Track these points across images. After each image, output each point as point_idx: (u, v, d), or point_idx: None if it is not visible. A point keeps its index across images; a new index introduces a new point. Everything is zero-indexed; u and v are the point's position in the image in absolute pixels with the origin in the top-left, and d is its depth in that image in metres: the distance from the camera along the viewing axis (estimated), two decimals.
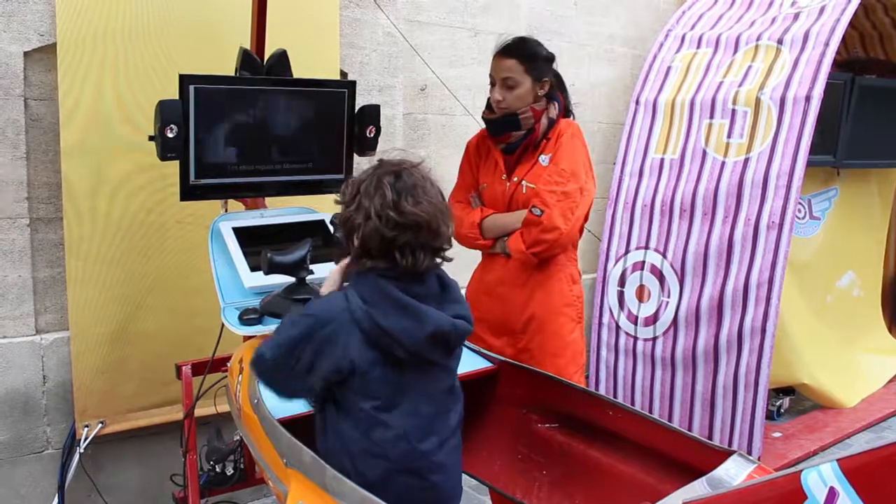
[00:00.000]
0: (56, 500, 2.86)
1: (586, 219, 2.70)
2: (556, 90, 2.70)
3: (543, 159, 2.61)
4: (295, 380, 1.74)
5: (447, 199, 1.81)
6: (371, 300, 1.69)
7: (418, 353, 1.69)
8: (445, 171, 3.83)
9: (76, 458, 2.86)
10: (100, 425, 2.89)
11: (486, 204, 2.74)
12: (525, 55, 2.60)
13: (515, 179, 2.65)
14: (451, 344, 1.75)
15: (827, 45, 3.58)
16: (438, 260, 1.79)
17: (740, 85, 3.75)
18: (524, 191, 2.62)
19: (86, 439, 2.84)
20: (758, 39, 3.86)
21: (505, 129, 2.63)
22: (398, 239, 1.69)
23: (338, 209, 1.84)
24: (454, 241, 1.91)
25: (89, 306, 2.84)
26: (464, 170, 2.84)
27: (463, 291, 1.93)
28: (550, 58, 2.68)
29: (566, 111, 2.73)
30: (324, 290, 1.91)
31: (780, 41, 3.77)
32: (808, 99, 3.51)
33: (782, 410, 4.44)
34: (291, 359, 1.70)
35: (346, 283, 1.84)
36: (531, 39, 2.69)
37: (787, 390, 4.47)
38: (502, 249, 2.66)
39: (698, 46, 4.10)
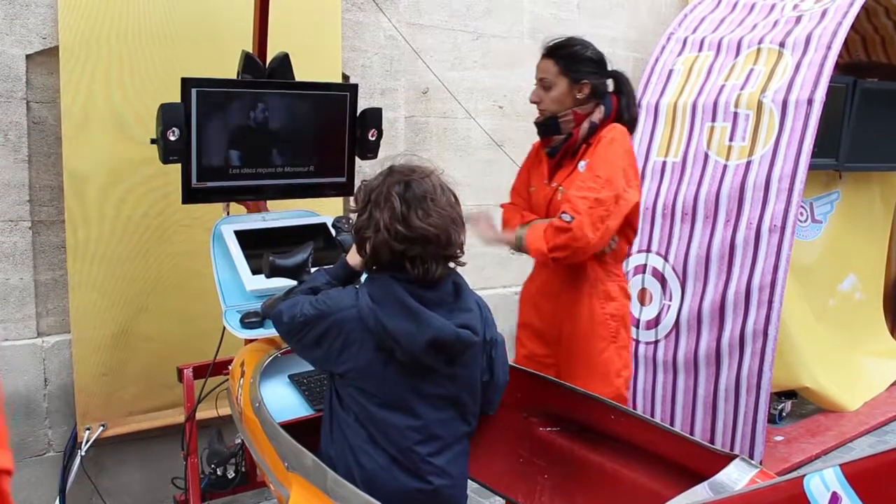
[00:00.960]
0: (57, 503, 2.86)
1: (634, 230, 2.61)
2: (610, 93, 2.58)
3: (581, 165, 2.50)
4: (301, 350, 1.83)
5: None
6: (379, 300, 1.70)
7: (417, 357, 1.69)
8: (448, 174, 3.84)
9: (77, 460, 2.86)
10: (101, 428, 2.89)
11: (532, 208, 2.67)
12: (562, 55, 2.53)
13: (554, 185, 2.57)
14: (451, 353, 1.73)
15: (829, 48, 3.58)
16: (453, 265, 1.79)
17: (742, 88, 3.75)
18: (559, 197, 2.53)
19: (87, 442, 2.84)
20: (760, 43, 3.86)
21: (546, 132, 2.57)
22: (408, 251, 1.70)
23: (339, 212, 1.85)
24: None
25: (91, 309, 2.84)
26: (520, 171, 2.78)
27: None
28: (595, 59, 2.55)
29: (619, 115, 2.56)
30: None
31: (782, 44, 3.76)
32: (809, 102, 3.50)
33: (784, 414, 4.43)
34: (300, 333, 1.78)
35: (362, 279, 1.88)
36: (576, 39, 2.57)
37: (789, 394, 4.46)
38: (518, 245, 2.57)
39: (700, 50, 4.10)
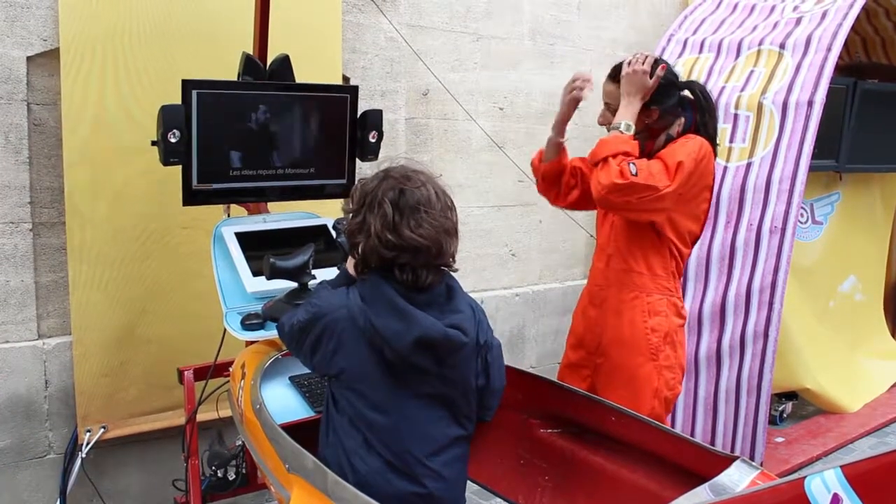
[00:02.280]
0: None
1: (694, 238, 2.54)
2: (690, 109, 2.51)
3: None
4: (303, 357, 1.85)
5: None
6: (369, 299, 1.71)
7: (405, 357, 1.69)
8: (448, 176, 3.85)
9: (78, 462, 2.86)
10: (102, 430, 2.89)
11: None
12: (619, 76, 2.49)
13: None
14: (440, 352, 1.72)
15: (829, 49, 3.58)
16: (444, 269, 1.79)
17: (742, 90, 3.75)
18: None
19: (88, 444, 2.84)
20: (760, 44, 3.86)
21: None
22: (397, 259, 1.71)
23: (340, 214, 1.85)
24: None
25: (92, 311, 2.84)
26: None
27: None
28: (666, 82, 2.45)
29: (697, 129, 2.49)
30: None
31: (782, 46, 3.77)
32: (810, 104, 3.51)
33: (785, 415, 4.43)
34: (299, 340, 1.81)
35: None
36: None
37: (790, 395, 4.46)
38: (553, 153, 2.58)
39: (700, 51, 4.10)
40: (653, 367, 2.49)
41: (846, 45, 3.95)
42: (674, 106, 2.49)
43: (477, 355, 1.82)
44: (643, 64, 2.40)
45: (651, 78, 2.41)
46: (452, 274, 1.83)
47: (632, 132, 2.38)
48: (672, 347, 2.52)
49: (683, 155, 2.35)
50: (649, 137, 2.48)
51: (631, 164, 2.28)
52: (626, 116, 2.40)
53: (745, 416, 3.60)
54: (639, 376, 2.49)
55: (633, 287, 2.52)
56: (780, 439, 4.15)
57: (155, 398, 3.00)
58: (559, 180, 2.73)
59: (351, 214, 1.79)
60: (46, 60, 2.76)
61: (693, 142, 2.41)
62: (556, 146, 2.67)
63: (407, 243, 1.68)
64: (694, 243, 2.59)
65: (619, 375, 2.53)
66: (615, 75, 2.52)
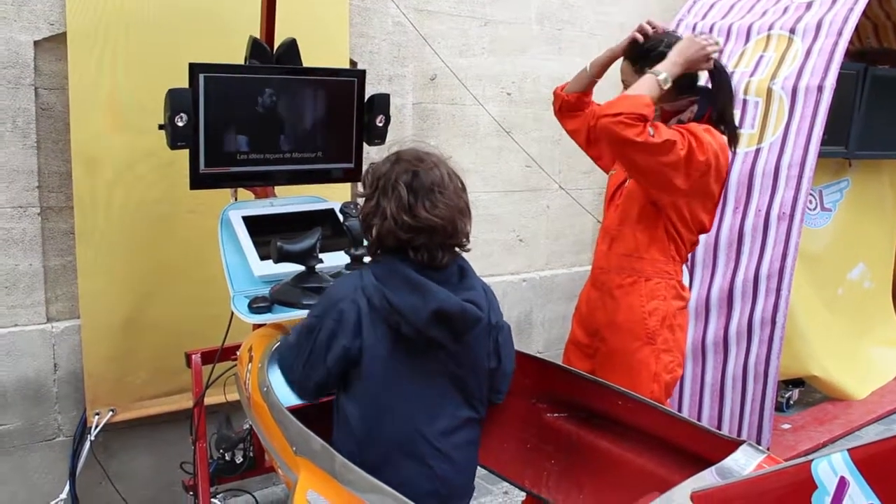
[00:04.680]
0: (67, 487, 2.88)
1: (700, 225, 2.50)
2: (707, 98, 2.46)
3: None
4: (314, 363, 1.75)
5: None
6: (383, 278, 1.72)
7: (423, 330, 1.69)
8: (456, 161, 3.81)
9: (87, 445, 2.88)
10: (110, 413, 2.91)
11: (606, 189, 2.68)
12: (635, 54, 2.48)
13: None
14: (457, 326, 1.74)
15: (840, 34, 3.55)
16: (458, 249, 1.80)
17: (752, 75, 3.73)
18: (626, 183, 2.52)
19: (97, 427, 2.86)
20: (769, 29, 3.83)
21: None
22: (413, 241, 1.71)
23: (347, 198, 1.85)
24: None
25: (100, 295, 2.85)
26: None
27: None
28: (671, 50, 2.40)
29: (710, 120, 2.42)
30: None
31: (792, 30, 3.74)
32: (820, 89, 3.48)
33: (791, 402, 4.43)
34: (310, 339, 1.75)
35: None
36: (654, 35, 2.49)
37: (797, 382, 4.46)
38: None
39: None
40: (650, 350, 2.47)
41: (857, 30, 3.93)
42: (690, 89, 2.46)
43: (489, 336, 1.83)
44: (710, 46, 2.37)
45: (704, 62, 2.38)
46: (464, 256, 1.84)
47: (668, 86, 2.30)
48: (671, 330, 2.50)
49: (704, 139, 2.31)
50: (660, 119, 2.44)
51: (649, 128, 2.23)
52: (668, 70, 2.32)
53: (751, 402, 3.60)
54: (636, 361, 2.48)
55: (633, 271, 2.51)
56: (786, 426, 4.15)
57: (163, 382, 3.02)
58: (579, 112, 2.75)
59: (364, 199, 1.80)
60: (54, 45, 2.76)
61: (710, 133, 2.35)
62: (589, 83, 2.69)
63: (423, 224, 1.69)
64: (700, 231, 2.56)
65: (617, 360, 2.52)
66: (625, 54, 2.52)
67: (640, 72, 2.41)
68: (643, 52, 2.47)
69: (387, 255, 1.77)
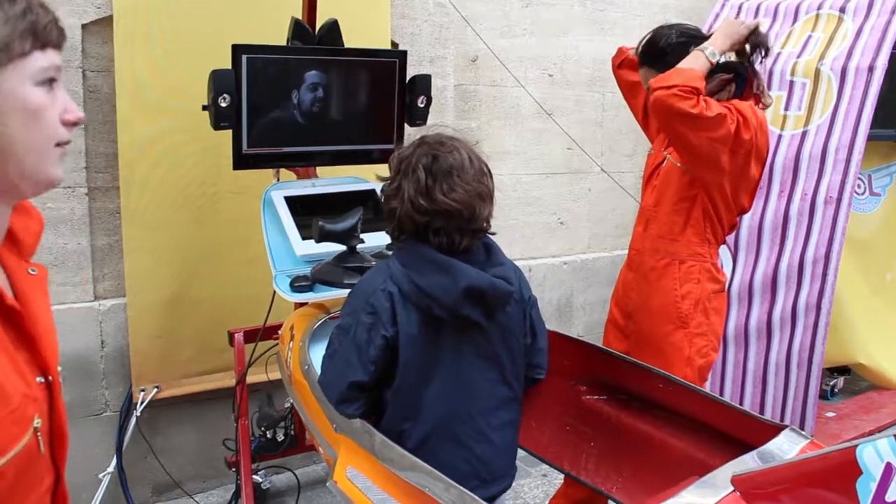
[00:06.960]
0: (114, 461, 2.95)
1: (740, 207, 2.48)
2: (744, 79, 2.44)
3: None
4: (357, 362, 1.72)
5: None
6: (409, 263, 1.72)
7: (455, 309, 1.69)
8: (496, 143, 3.83)
9: (133, 421, 2.94)
10: (155, 390, 2.96)
11: (644, 170, 2.67)
12: (647, 57, 2.49)
13: (665, 153, 2.54)
14: (488, 302, 1.73)
15: (894, 12, 3.45)
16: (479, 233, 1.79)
17: (799, 56, 3.64)
18: (664, 164, 2.51)
19: (142, 403, 2.92)
20: (818, 8, 3.74)
21: None
22: (431, 224, 1.71)
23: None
24: None
25: (145, 274, 2.91)
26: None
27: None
28: (681, 41, 2.43)
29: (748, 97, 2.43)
30: None
31: (842, 10, 3.64)
32: (871, 69, 3.39)
33: (836, 390, 4.35)
34: (348, 338, 1.73)
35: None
36: (657, 31, 2.50)
37: (842, 370, 4.37)
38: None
39: (756, 17, 3.99)
40: (683, 334, 2.46)
41: None
42: (722, 68, 2.42)
43: (522, 312, 1.84)
44: (748, 22, 2.38)
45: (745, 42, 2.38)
46: (490, 236, 1.83)
47: (715, 59, 2.31)
48: (704, 314, 2.47)
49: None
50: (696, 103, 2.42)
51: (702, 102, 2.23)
52: (715, 45, 2.33)
53: (794, 389, 3.54)
54: (669, 344, 2.47)
55: (666, 254, 2.50)
56: (830, 414, 4.08)
57: (206, 360, 3.07)
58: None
59: (388, 182, 1.81)
60: (100, 28, 2.80)
61: (751, 108, 2.35)
62: None
63: (439, 207, 1.69)
64: (740, 212, 2.53)
65: (650, 343, 2.51)
66: (639, 62, 2.54)
67: (660, 72, 2.39)
68: (657, 56, 2.46)
69: (409, 240, 1.77)
